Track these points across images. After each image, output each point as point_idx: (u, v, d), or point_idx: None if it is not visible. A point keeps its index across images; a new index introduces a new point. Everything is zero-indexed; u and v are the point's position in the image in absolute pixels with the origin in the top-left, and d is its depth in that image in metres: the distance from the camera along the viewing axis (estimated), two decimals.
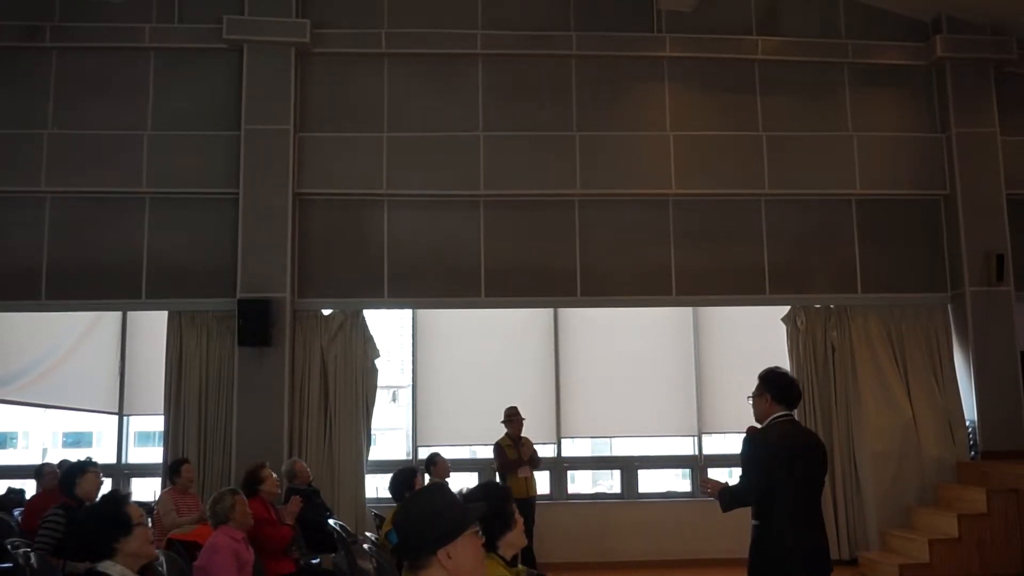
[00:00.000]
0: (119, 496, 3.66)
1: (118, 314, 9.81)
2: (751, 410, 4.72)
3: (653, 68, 10.07)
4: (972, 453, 9.67)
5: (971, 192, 9.92)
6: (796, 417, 4.79)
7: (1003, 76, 10.23)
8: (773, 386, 4.61)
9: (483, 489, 3.75)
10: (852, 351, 9.80)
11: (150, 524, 7.33)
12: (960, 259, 9.85)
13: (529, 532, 8.62)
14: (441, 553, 2.44)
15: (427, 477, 8.67)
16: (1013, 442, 9.52)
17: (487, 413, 9.33)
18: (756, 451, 4.56)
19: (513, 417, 9.03)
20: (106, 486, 9.18)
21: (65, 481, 6.25)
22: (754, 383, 4.69)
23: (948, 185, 10.04)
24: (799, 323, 9.89)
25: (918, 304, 10.01)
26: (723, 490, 4.63)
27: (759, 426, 4.68)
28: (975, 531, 8.56)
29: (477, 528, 2.56)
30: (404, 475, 6.75)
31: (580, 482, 11.34)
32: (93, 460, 6.47)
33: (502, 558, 3.51)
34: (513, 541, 3.57)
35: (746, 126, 10.04)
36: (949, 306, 10.03)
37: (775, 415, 4.58)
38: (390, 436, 14.45)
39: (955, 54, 10.03)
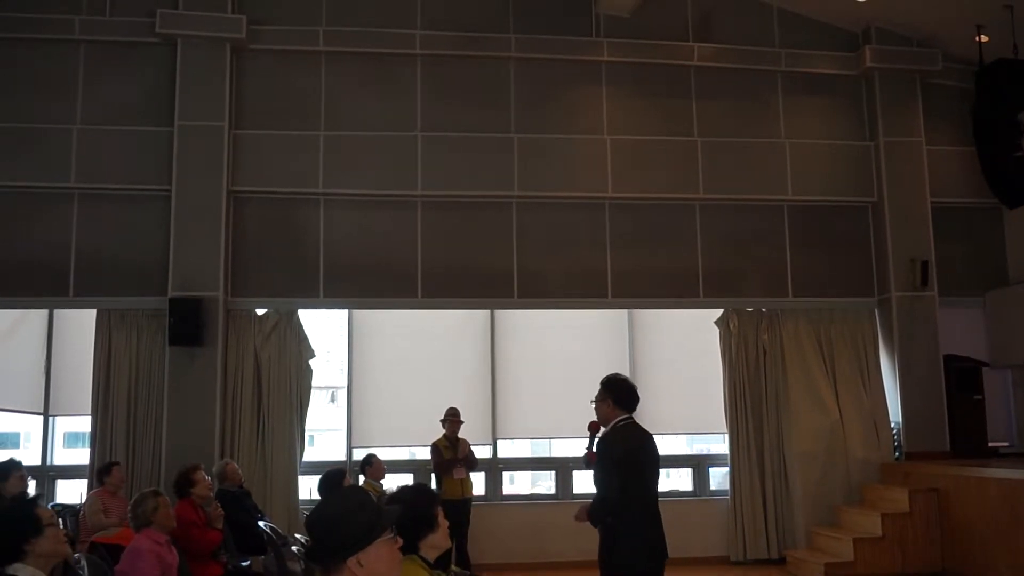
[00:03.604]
0: (29, 498, 3.60)
1: (44, 312, 9.57)
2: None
3: (591, 72, 10.16)
4: (896, 454, 9.93)
5: (898, 200, 10.20)
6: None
7: (929, 87, 10.53)
8: (615, 392, 4.94)
9: (407, 491, 3.76)
10: (782, 353, 10.00)
11: (70, 527, 7.21)
12: (887, 265, 10.12)
13: (464, 533, 8.64)
14: (351, 561, 2.39)
15: (362, 478, 8.64)
16: (935, 443, 9.82)
17: (423, 414, 9.29)
18: (611, 454, 4.80)
19: (451, 418, 9.00)
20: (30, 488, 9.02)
21: None
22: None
23: (876, 192, 10.30)
24: (731, 326, 10.07)
25: (846, 308, 10.26)
26: (588, 511, 4.85)
27: (596, 422, 5.08)
28: (897, 530, 8.81)
29: (392, 533, 2.51)
30: (332, 476, 6.70)
31: (519, 483, 11.38)
32: (18, 461, 6.33)
33: (424, 559, 3.51)
34: (436, 543, 3.58)
35: (681, 131, 10.18)
36: (876, 310, 10.30)
37: (618, 418, 4.89)
38: (329, 437, 14.31)
39: (883, 64, 10.30)
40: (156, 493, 5.24)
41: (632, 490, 4.73)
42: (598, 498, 4.83)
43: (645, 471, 4.83)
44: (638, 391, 5.03)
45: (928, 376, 9.98)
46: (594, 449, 5.35)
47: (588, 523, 4.88)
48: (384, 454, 9.08)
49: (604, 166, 9.94)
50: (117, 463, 7.99)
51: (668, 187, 10.04)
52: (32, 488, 9.07)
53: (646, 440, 4.91)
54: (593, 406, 5.05)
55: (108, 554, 5.78)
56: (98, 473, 7.84)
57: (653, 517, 4.82)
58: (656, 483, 4.94)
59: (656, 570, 4.81)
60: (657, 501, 4.90)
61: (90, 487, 8.31)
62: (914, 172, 10.27)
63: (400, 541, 2.56)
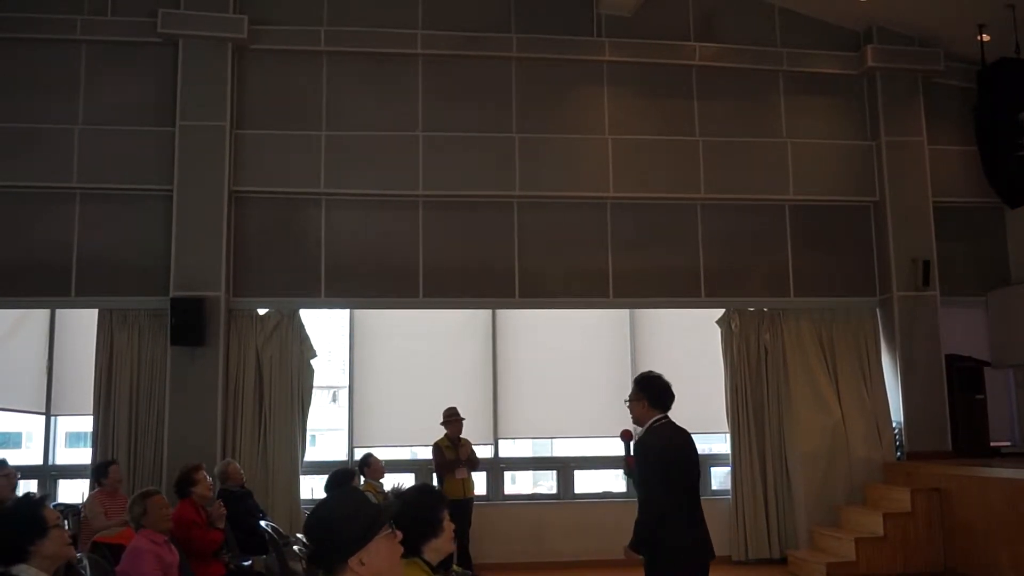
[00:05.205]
0: (35, 498, 3.58)
1: (46, 311, 9.58)
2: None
3: (593, 72, 10.15)
4: (898, 454, 9.92)
5: (899, 199, 10.19)
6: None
7: (931, 87, 10.52)
8: (649, 390, 4.78)
9: (416, 492, 3.67)
10: (784, 353, 9.99)
11: (72, 526, 7.21)
12: (888, 264, 10.11)
13: (466, 533, 8.63)
14: (353, 560, 2.37)
15: (362, 478, 8.64)
16: (937, 443, 9.81)
17: (425, 414, 9.27)
18: (651, 456, 4.66)
19: (452, 418, 8.98)
20: (31, 487, 9.03)
21: None
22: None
23: (878, 192, 10.29)
24: (733, 326, 10.06)
25: (848, 308, 10.25)
26: (636, 543, 4.63)
27: (631, 429, 4.93)
28: (899, 530, 8.80)
29: (391, 528, 2.49)
30: (340, 476, 6.70)
31: (520, 483, 11.38)
32: (2, 459, 6.32)
33: (427, 563, 3.47)
34: (440, 547, 3.49)
35: (683, 131, 10.17)
36: (877, 310, 10.29)
37: (654, 418, 4.74)
38: (330, 436, 14.32)
39: (885, 64, 10.28)
40: (145, 495, 5.20)
41: (674, 492, 4.58)
42: (638, 527, 4.64)
43: (686, 471, 4.68)
44: (672, 389, 4.83)
45: (930, 376, 9.96)
46: (632, 454, 5.22)
47: (636, 556, 4.66)
48: (385, 454, 9.07)
49: (605, 166, 9.93)
50: (114, 461, 7.95)
51: (670, 187, 10.03)
52: (34, 488, 9.12)
53: (685, 439, 4.74)
54: (627, 406, 4.88)
55: (110, 553, 5.79)
56: (95, 473, 7.78)
57: (696, 518, 4.67)
58: (697, 483, 4.77)
59: (701, 570, 4.66)
60: (699, 501, 4.74)
61: (92, 487, 8.30)
62: (916, 172, 10.26)
63: (399, 535, 2.53)
